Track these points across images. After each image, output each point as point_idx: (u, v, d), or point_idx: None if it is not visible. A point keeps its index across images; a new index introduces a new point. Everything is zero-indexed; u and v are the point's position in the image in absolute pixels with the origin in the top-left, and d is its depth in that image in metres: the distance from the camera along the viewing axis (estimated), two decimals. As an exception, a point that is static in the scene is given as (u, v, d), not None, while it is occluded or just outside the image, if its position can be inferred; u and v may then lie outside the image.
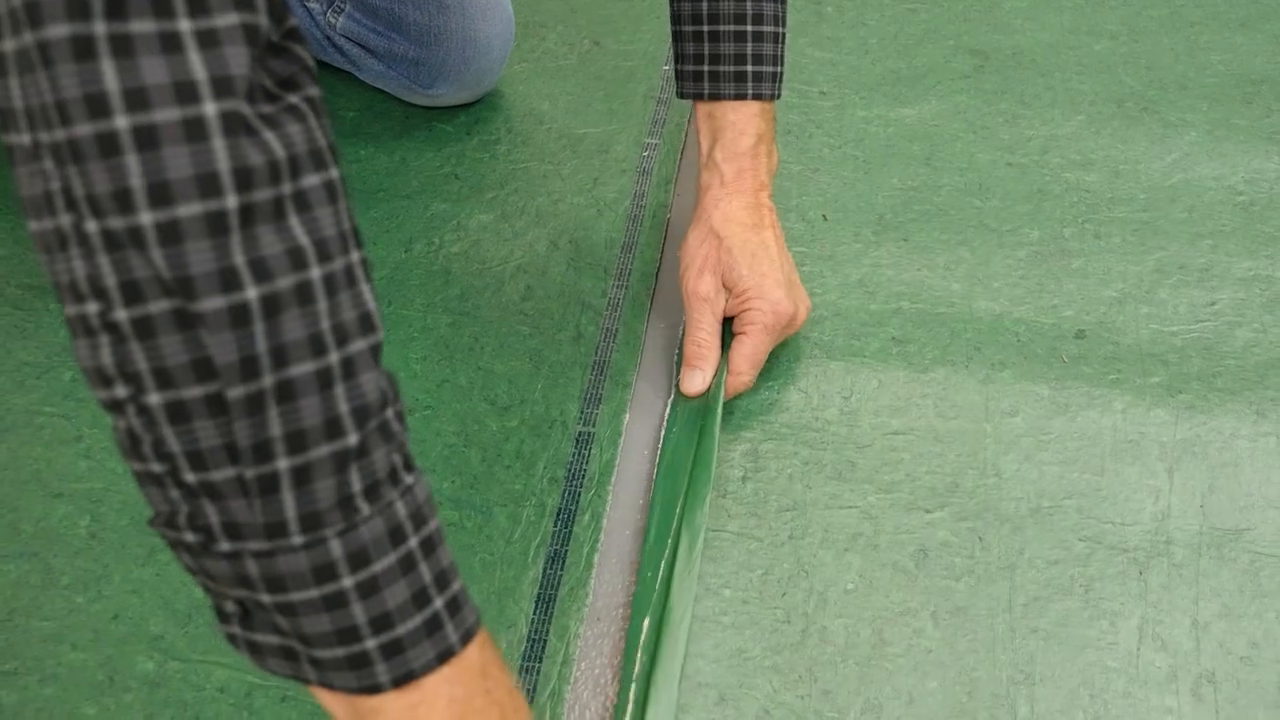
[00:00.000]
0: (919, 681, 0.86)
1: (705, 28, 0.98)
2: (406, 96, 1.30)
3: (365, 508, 0.54)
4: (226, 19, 0.47)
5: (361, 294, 0.53)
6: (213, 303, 0.48)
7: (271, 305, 0.49)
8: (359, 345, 0.53)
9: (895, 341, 1.07)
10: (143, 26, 0.45)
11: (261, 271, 0.49)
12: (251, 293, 0.48)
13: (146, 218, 0.46)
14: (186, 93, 0.46)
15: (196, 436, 0.50)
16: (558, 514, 0.96)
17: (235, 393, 0.49)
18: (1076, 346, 1.07)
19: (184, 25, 0.46)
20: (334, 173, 0.52)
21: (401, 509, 0.55)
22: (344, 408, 0.52)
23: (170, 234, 0.47)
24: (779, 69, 1.00)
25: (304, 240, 0.50)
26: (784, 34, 0.99)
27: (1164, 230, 1.17)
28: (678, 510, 0.93)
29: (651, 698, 0.83)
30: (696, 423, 0.98)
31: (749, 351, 0.98)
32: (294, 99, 0.51)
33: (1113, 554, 0.93)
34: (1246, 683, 0.86)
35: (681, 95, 1.02)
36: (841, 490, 0.97)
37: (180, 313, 0.48)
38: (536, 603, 0.91)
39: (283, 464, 0.51)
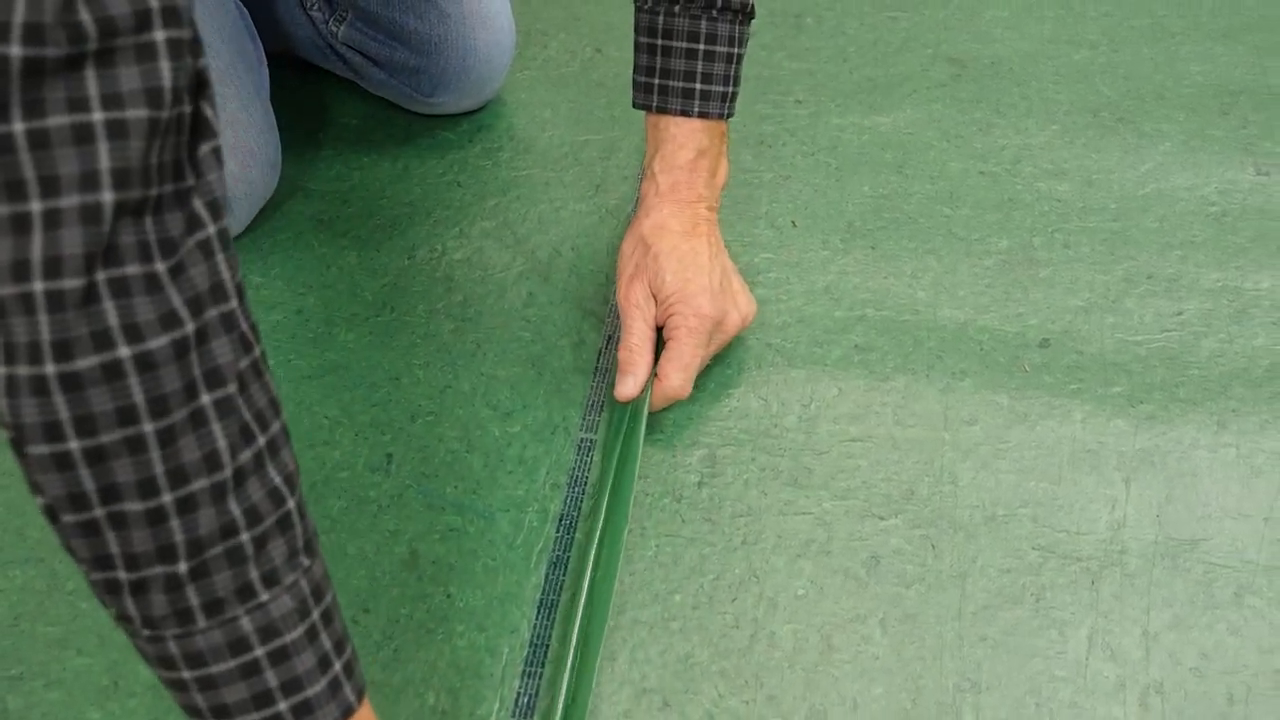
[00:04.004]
0: (864, 688, 0.86)
1: (659, 41, 0.98)
2: (409, 105, 1.30)
3: (202, 621, 0.59)
4: (69, 200, 0.50)
5: (210, 434, 0.57)
6: (37, 449, 0.53)
7: (95, 455, 0.54)
8: (200, 484, 0.57)
9: (858, 349, 1.07)
10: None
11: (86, 426, 0.53)
12: (74, 444, 0.53)
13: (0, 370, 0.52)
14: (22, 272, 0.50)
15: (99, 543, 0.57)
16: (560, 519, 0.96)
17: (67, 518, 0.56)
18: (1040, 355, 1.07)
19: (35, 206, 0.50)
20: (189, 328, 0.55)
21: (220, 635, 0.60)
22: (179, 537, 0.57)
23: (12, 387, 0.52)
24: (730, 89, 1.00)
25: (139, 398, 0.54)
26: (739, 55, 0.99)
27: (1134, 240, 1.17)
28: (601, 516, 0.94)
29: (571, 702, 0.85)
30: (624, 428, 0.99)
31: (674, 356, 0.98)
32: (163, 265, 0.54)
33: (1065, 563, 0.93)
34: (1194, 694, 0.86)
35: (633, 104, 1.02)
36: (797, 496, 0.97)
37: (14, 443, 0.54)
38: (539, 608, 0.91)
39: (123, 575, 0.57)
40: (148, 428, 0.54)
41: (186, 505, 0.56)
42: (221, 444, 0.57)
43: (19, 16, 0.48)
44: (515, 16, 1.28)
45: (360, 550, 0.94)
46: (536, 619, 0.90)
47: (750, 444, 1.00)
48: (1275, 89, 1.34)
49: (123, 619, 0.59)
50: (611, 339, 1.08)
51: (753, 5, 0.98)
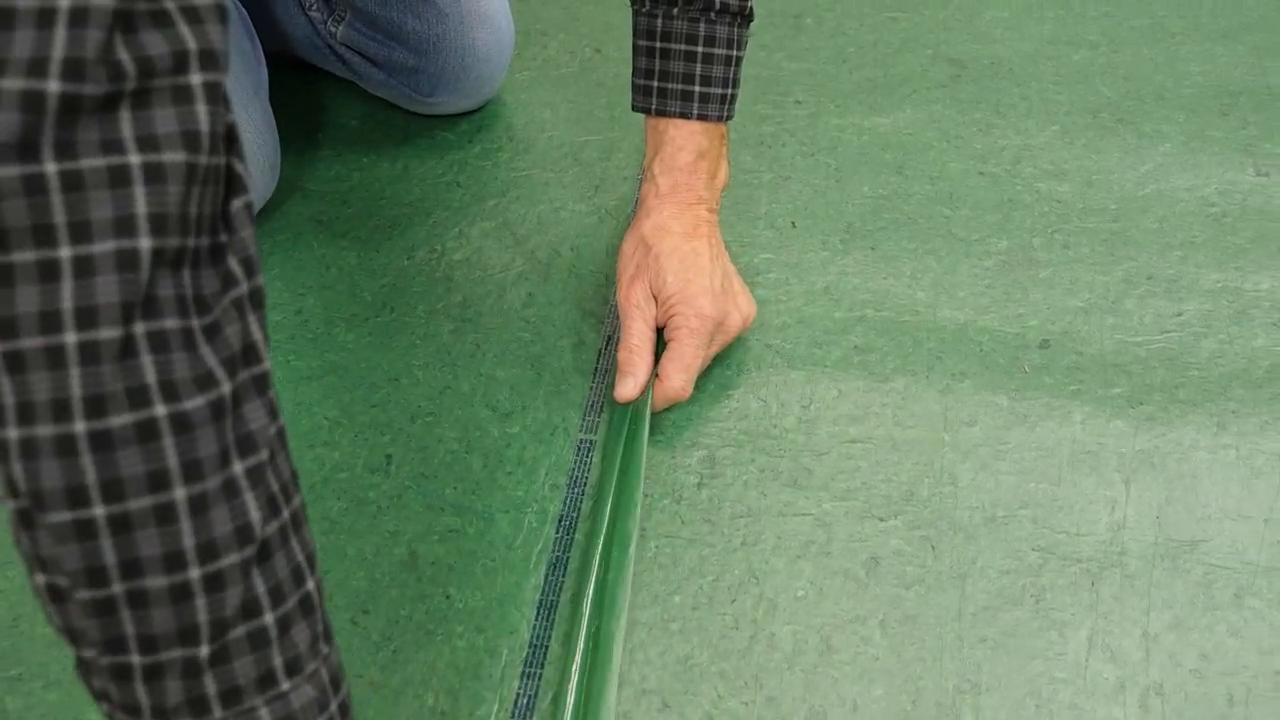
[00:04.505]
0: (864, 689, 0.86)
1: (657, 44, 0.98)
2: (408, 105, 1.30)
3: (218, 711, 0.55)
4: (103, 245, 0.48)
5: (243, 504, 0.53)
6: (57, 516, 0.49)
7: (121, 524, 0.50)
8: (230, 559, 0.53)
9: (857, 350, 1.07)
10: (23, 256, 0.47)
11: (113, 491, 0.50)
12: (99, 510, 0.50)
13: (13, 433, 0.49)
14: (50, 322, 0.48)
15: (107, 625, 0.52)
16: (559, 520, 0.96)
17: (82, 594, 0.51)
18: (1039, 356, 1.07)
19: (64, 252, 0.47)
20: (224, 389, 0.52)
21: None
22: (203, 617, 0.53)
23: (29, 450, 0.49)
24: (729, 91, 1.00)
25: (172, 462, 0.51)
26: (738, 57, 0.99)
27: (1134, 241, 1.17)
28: (606, 519, 0.94)
29: (589, 713, 0.84)
30: (625, 429, 0.99)
31: (675, 356, 0.98)
32: (198, 322, 0.51)
33: (1065, 564, 0.93)
34: (1194, 695, 0.86)
35: (632, 107, 1.02)
36: (796, 497, 0.97)
37: (24, 514, 0.50)
38: (538, 609, 0.91)
39: (136, 659, 0.53)
40: (179, 494, 0.51)
41: (214, 583, 0.52)
42: (254, 516, 0.53)
43: (58, 51, 0.46)
44: (514, 16, 1.28)
45: (359, 551, 0.94)
46: (536, 620, 0.90)
47: (750, 445, 1.00)
48: (1275, 89, 1.34)
49: (127, 710, 0.54)
50: (611, 339, 1.08)
51: (751, 8, 0.98)
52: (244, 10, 1.18)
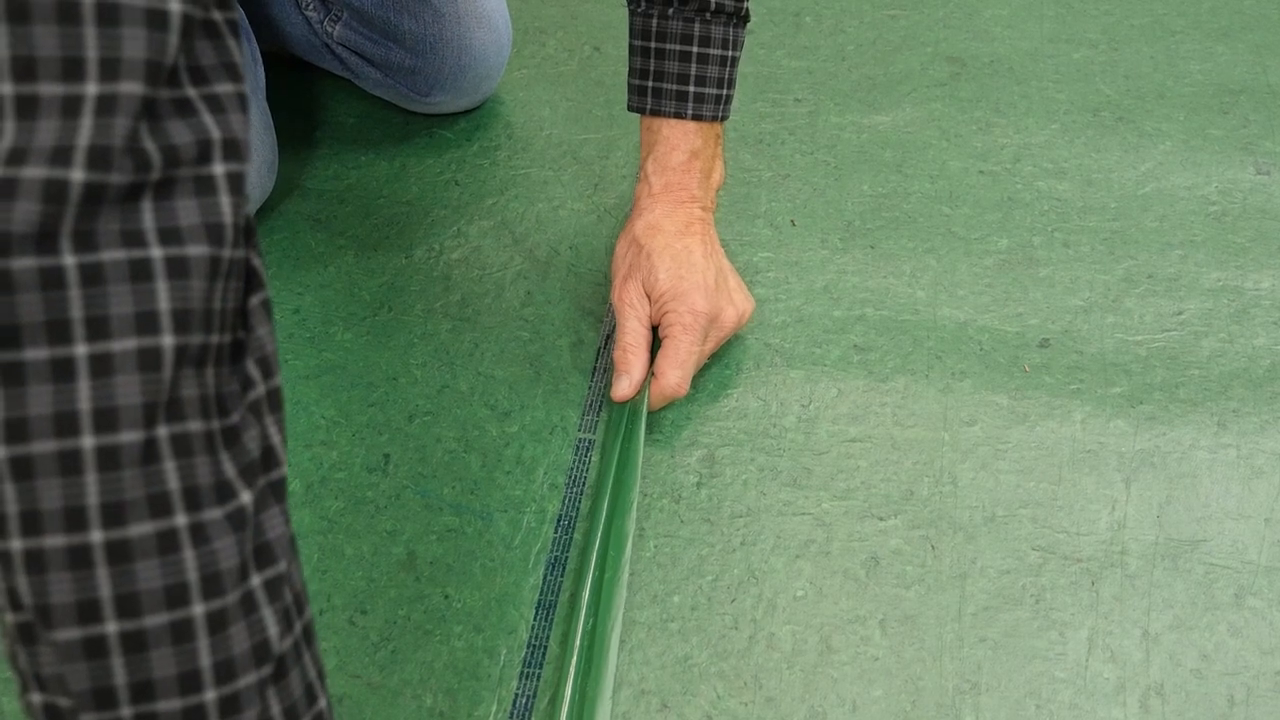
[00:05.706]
0: (864, 689, 0.86)
1: (653, 44, 0.98)
2: (405, 104, 1.30)
3: None
4: (124, 343, 0.46)
5: (261, 620, 0.51)
6: (66, 634, 0.46)
7: (135, 642, 0.47)
8: (248, 679, 0.50)
9: (857, 349, 1.07)
10: (36, 354, 0.45)
11: (129, 606, 0.47)
12: (112, 627, 0.47)
13: (16, 544, 0.46)
14: (66, 425, 0.45)
15: None
16: (558, 520, 0.96)
17: (86, 717, 0.48)
18: (1040, 355, 1.06)
19: (80, 350, 0.45)
20: (244, 498, 0.50)
21: None
22: None
23: (35, 562, 0.46)
24: (724, 91, 1.00)
25: (191, 576, 0.48)
26: (733, 57, 0.99)
27: (1134, 239, 1.17)
28: (603, 518, 0.94)
29: (585, 713, 0.84)
30: (622, 429, 0.99)
31: (670, 354, 0.98)
32: (220, 424, 0.49)
33: (1065, 564, 0.93)
34: (1195, 695, 0.86)
35: (628, 107, 1.02)
36: (796, 497, 0.97)
37: (26, 628, 0.47)
38: (537, 609, 0.91)
39: None
40: (197, 610, 0.48)
41: (230, 705, 0.49)
42: (272, 632, 0.50)
43: (84, 139, 0.44)
44: (513, 15, 1.28)
45: (358, 551, 0.94)
46: (535, 620, 0.90)
47: (749, 444, 1.00)
48: (1275, 88, 1.33)
49: None
50: (610, 338, 1.08)
51: (748, 8, 0.98)
52: (240, 9, 1.17)
